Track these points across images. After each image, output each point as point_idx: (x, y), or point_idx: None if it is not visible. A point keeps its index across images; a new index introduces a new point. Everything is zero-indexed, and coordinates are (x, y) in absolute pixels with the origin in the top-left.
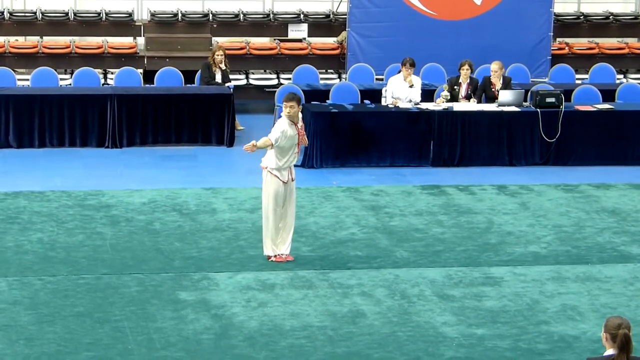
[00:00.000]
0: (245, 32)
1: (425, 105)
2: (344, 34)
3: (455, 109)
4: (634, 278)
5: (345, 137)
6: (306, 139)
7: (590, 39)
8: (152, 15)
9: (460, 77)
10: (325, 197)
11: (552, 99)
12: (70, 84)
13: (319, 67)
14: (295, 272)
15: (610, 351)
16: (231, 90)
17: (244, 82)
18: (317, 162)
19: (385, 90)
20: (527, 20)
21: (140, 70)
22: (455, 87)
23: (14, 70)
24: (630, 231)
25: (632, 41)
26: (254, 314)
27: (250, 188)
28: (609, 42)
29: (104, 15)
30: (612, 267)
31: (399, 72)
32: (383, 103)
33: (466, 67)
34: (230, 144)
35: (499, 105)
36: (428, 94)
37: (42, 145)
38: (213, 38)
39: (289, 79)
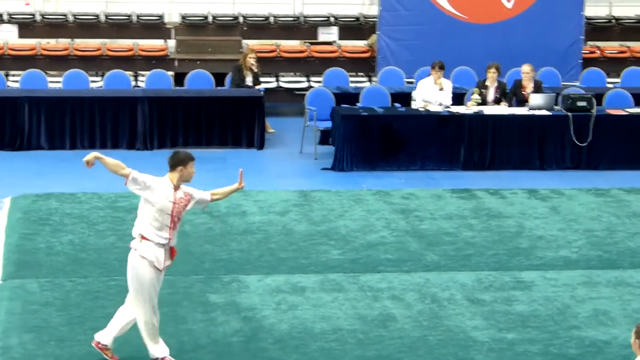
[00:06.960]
0: (275, 34)
1: (455, 109)
2: (374, 37)
3: (485, 112)
4: None
5: (376, 140)
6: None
7: (622, 43)
8: (183, 17)
9: (488, 80)
10: (356, 200)
11: (584, 103)
12: (101, 86)
13: (349, 70)
14: (326, 275)
15: None
16: (261, 92)
17: (274, 84)
18: (347, 165)
19: (416, 93)
20: (558, 23)
21: (171, 73)
22: (483, 90)
23: (45, 73)
24: None
25: None
26: (284, 316)
27: (280, 191)
28: None
29: (135, 17)
30: None
31: (429, 75)
32: (413, 106)
33: (493, 70)
34: (261, 146)
35: (530, 109)
36: (458, 97)
37: (73, 147)
38: (243, 41)
39: (319, 81)
